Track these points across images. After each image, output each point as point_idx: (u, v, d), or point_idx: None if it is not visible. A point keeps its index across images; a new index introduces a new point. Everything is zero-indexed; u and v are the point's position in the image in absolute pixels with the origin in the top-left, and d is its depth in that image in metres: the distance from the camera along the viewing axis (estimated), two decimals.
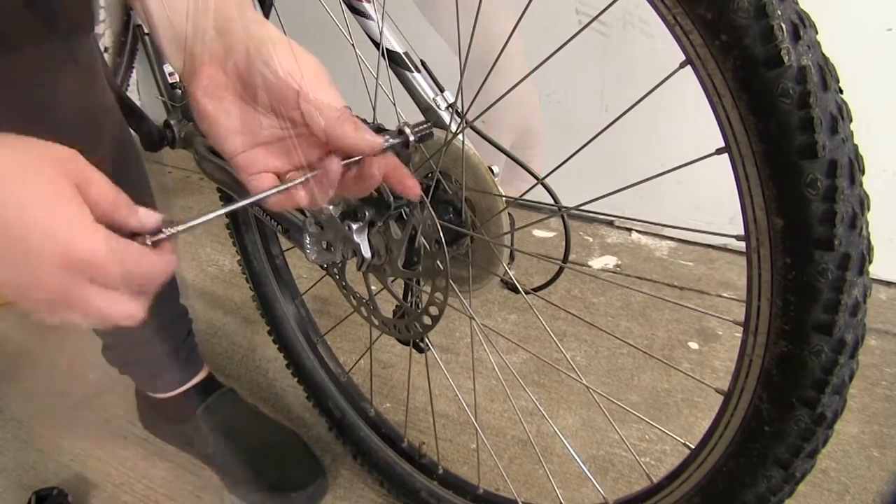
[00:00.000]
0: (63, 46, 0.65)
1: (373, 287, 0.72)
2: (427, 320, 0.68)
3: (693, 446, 0.58)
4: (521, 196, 0.63)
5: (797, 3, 0.41)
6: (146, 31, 1.35)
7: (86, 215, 0.38)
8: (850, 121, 0.43)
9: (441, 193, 0.66)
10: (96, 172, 0.40)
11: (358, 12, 0.65)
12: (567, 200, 0.60)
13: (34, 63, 0.63)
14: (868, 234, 0.44)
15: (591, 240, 1.50)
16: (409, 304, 0.71)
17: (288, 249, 1.03)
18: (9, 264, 0.36)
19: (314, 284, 1.13)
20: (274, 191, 0.46)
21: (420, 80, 0.66)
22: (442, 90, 0.66)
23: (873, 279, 0.47)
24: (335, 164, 0.45)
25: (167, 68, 0.95)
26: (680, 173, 0.50)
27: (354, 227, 0.63)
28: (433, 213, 0.61)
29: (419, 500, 0.88)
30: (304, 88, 0.43)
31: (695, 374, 1.11)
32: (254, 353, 1.25)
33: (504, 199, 0.63)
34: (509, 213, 0.64)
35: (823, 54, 0.41)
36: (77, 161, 0.39)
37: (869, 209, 0.44)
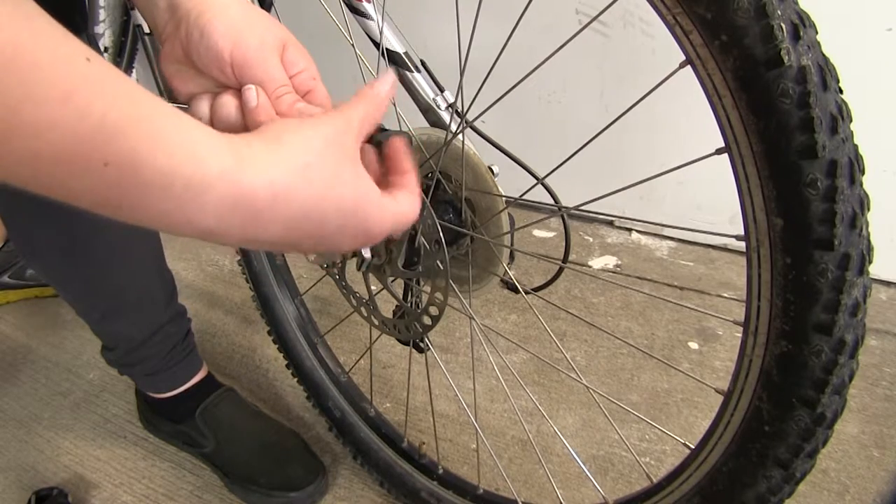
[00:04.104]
0: None
1: (373, 287, 0.72)
2: (427, 320, 0.68)
3: (693, 446, 0.58)
4: (521, 196, 0.63)
5: (797, 3, 0.41)
6: (146, 31, 1.36)
7: (366, 183, 0.40)
8: (850, 121, 0.43)
9: (441, 193, 0.66)
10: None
11: (358, 12, 0.65)
12: (567, 200, 0.60)
13: None
14: (868, 234, 0.44)
15: (591, 240, 1.49)
16: (409, 304, 0.71)
17: None
18: (315, 241, 0.39)
19: (314, 284, 1.13)
20: None
21: (420, 80, 0.66)
22: (442, 90, 0.66)
23: (873, 279, 0.47)
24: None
25: None
26: (680, 173, 0.50)
27: None
28: (433, 213, 0.61)
29: (419, 500, 0.88)
30: (237, 63, 0.41)
31: (695, 374, 1.11)
32: (254, 353, 1.25)
33: (504, 199, 0.63)
34: (509, 213, 0.64)
35: (823, 54, 0.41)
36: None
37: (869, 209, 0.44)
